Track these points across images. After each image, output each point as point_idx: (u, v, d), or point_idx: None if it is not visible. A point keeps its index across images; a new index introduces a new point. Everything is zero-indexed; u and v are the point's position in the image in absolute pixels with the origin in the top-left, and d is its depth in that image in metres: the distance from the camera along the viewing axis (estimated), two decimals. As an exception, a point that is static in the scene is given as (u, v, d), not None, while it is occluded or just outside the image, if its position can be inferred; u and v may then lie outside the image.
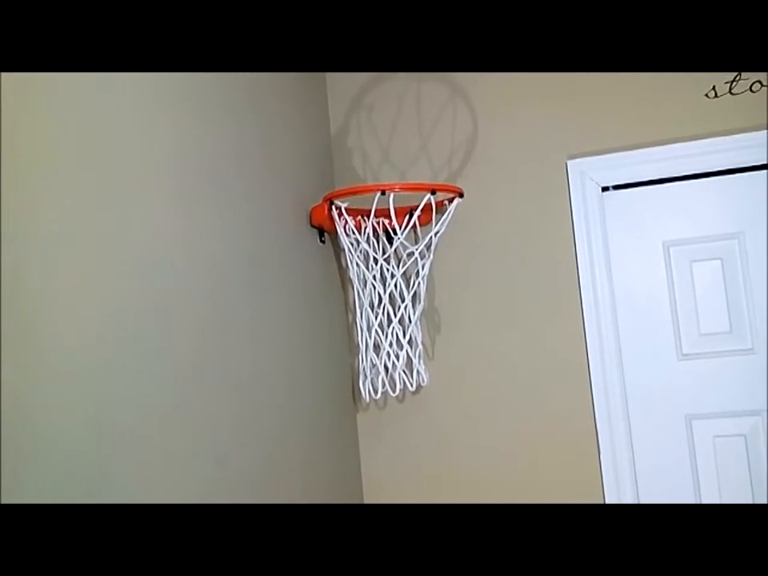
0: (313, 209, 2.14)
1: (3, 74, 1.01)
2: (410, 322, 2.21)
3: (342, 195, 2.06)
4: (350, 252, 2.14)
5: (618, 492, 2.17)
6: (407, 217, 2.15)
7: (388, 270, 2.20)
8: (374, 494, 2.36)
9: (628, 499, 2.17)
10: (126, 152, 1.29)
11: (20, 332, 1.00)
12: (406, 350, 2.20)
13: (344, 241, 2.12)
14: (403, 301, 2.20)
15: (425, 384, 2.29)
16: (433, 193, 2.03)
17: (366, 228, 2.13)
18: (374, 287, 2.17)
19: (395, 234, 2.15)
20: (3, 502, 0.93)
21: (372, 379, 2.20)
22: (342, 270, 2.37)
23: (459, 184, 2.27)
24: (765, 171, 2.14)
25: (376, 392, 2.19)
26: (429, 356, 2.35)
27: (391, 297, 2.21)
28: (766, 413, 2.12)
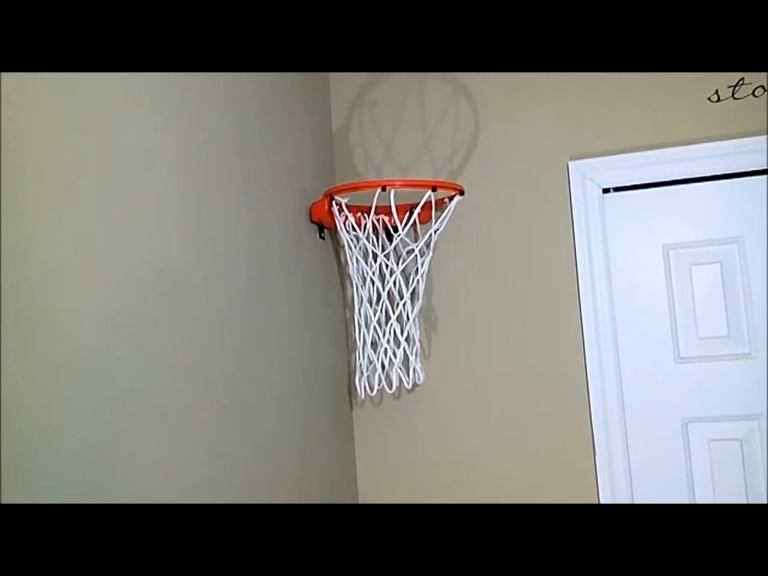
0: (313, 204, 2.13)
1: (3, 74, 1.00)
2: (408, 319, 2.20)
3: (342, 191, 2.05)
4: (350, 248, 2.14)
5: (612, 494, 2.17)
6: (407, 214, 2.14)
7: (387, 266, 2.19)
8: (369, 491, 2.36)
9: (622, 501, 2.17)
10: (128, 147, 1.28)
11: (16, 328, 0.99)
12: (404, 348, 2.19)
13: (344, 237, 2.12)
14: (402, 298, 2.20)
15: (421, 382, 2.28)
16: (434, 190, 2.02)
17: (366, 224, 2.12)
18: (373, 284, 2.17)
19: (395, 231, 2.15)
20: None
21: (368, 376, 2.19)
22: (341, 266, 2.37)
23: (460, 182, 2.26)
24: (766, 176, 2.14)
25: (372, 389, 2.19)
26: (426, 354, 2.35)
27: (390, 294, 2.20)
28: (762, 418, 2.12)
